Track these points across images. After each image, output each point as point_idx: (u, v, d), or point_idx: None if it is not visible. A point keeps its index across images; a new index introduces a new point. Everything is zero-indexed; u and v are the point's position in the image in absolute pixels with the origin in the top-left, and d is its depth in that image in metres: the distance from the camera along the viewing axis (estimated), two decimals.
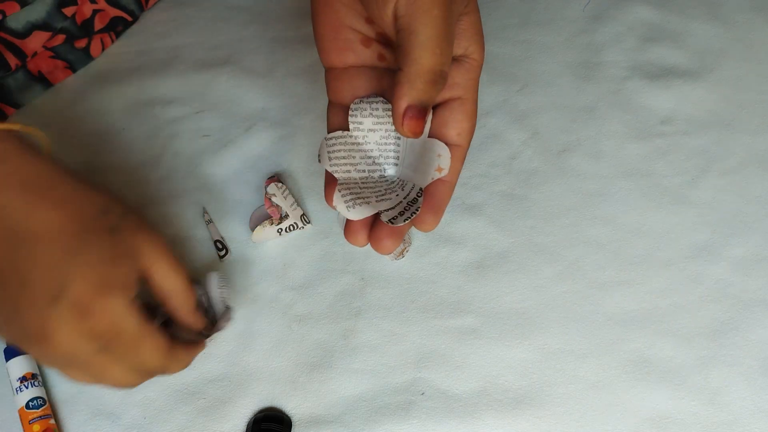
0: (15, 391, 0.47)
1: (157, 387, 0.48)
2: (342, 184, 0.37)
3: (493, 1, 0.63)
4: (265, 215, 0.52)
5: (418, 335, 0.48)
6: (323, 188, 0.39)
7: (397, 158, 0.39)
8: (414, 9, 0.34)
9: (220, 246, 0.52)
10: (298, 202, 0.53)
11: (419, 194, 0.37)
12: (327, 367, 0.48)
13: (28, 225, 0.35)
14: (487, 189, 0.53)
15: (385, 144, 0.39)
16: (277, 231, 0.52)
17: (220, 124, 0.58)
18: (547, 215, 0.52)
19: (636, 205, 0.52)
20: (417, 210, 0.36)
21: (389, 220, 0.36)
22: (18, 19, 0.57)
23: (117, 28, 0.63)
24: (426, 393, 0.46)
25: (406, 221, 0.36)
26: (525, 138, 0.56)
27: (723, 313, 0.48)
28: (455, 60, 0.38)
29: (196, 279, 0.42)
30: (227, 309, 0.44)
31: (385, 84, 0.39)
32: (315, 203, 0.54)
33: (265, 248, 0.52)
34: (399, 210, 0.36)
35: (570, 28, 0.61)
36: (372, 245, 0.38)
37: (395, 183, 0.38)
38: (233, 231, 0.53)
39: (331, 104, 0.40)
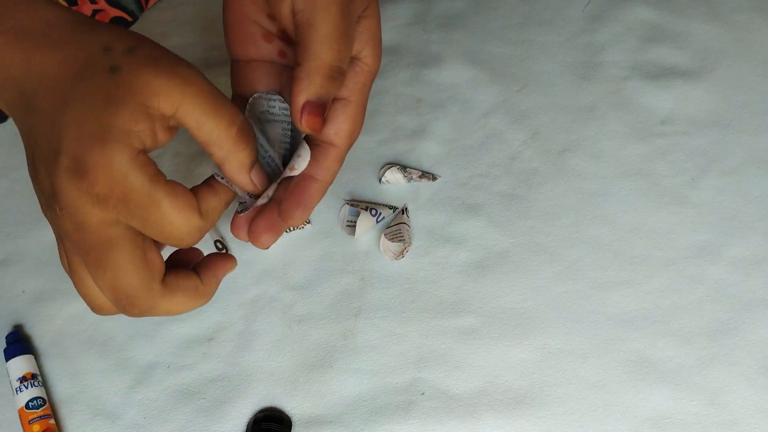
0: (15, 391, 0.47)
1: (157, 387, 0.48)
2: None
3: (493, 1, 0.63)
4: None
5: (418, 335, 0.48)
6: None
7: (287, 155, 0.39)
8: (312, 5, 0.35)
9: (220, 246, 0.52)
10: None
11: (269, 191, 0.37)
12: (327, 367, 0.48)
13: (29, 77, 0.32)
14: (487, 189, 0.53)
15: (279, 141, 0.39)
16: None
17: None
18: (547, 215, 0.52)
19: (636, 205, 0.52)
20: (268, 197, 0.37)
21: (239, 211, 0.38)
22: None
23: None
24: (426, 393, 0.46)
25: (245, 212, 0.37)
26: (525, 138, 0.56)
27: (723, 313, 0.48)
28: None
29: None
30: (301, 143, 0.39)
31: (284, 80, 0.39)
32: None
33: None
34: (250, 203, 0.37)
35: (570, 28, 0.61)
36: (252, 241, 0.39)
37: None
38: None
39: (233, 97, 0.41)
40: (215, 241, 0.52)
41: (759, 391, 0.45)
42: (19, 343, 0.48)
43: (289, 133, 0.39)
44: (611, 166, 0.54)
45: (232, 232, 0.40)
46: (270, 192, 0.37)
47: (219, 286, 0.51)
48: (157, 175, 0.31)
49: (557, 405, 0.45)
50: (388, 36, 0.60)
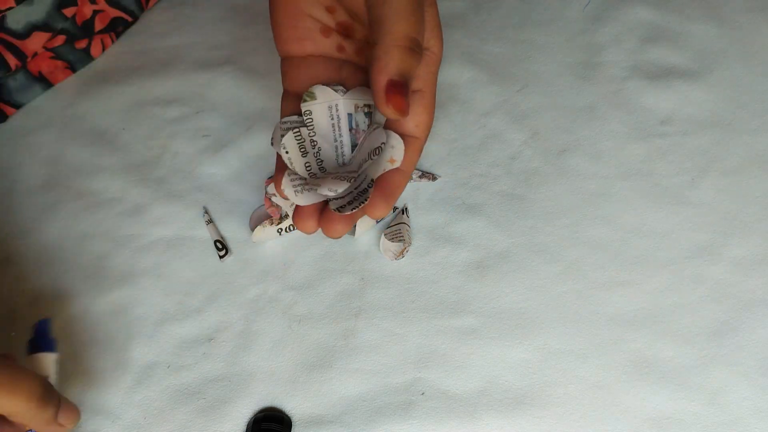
0: None
1: (157, 387, 0.48)
2: (292, 170, 0.37)
3: (493, 1, 0.63)
4: (265, 215, 0.52)
5: (418, 335, 0.48)
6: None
7: (352, 147, 0.38)
8: None
9: (220, 246, 0.52)
10: None
11: (370, 185, 0.36)
12: (327, 367, 0.48)
13: None
14: (487, 189, 0.53)
15: (339, 132, 0.38)
16: (277, 231, 0.52)
17: (220, 124, 0.58)
18: (547, 215, 0.52)
19: (636, 205, 0.52)
20: (365, 200, 0.35)
21: (337, 208, 0.35)
22: (18, 19, 0.57)
23: (117, 28, 0.63)
24: (426, 393, 0.46)
25: (354, 210, 0.35)
26: (525, 138, 0.56)
27: (723, 313, 0.48)
28: None
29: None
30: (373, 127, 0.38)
31: (344, 75, 0.38)
32: None
33: (265, 248, 0.52)
34: (348, 199, 0.36)
35: (570, 29, 0.61)
36: (323, 230, 0.37)
37: (348, 172, 0.38)
38: (233, 231, 0.53)
39: (286, 93, 0.40)
40: (215, 241, 0.52)
41: (759, 391, 0.45)
42: (45, 338, 0.46)
43: (348, 121, 0.38)
44: (611, 166, 0.54)
45: (295, 221, 0.37)
46: (365, 184, 0.36)
47: (219, 288, 0.51)
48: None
49: (557, 405, 0.45)
50: None
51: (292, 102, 0.39)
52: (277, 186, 0.37)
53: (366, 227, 0.52)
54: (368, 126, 0.38)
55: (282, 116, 0.39)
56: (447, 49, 0.60)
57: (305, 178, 0.37)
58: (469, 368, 0.47)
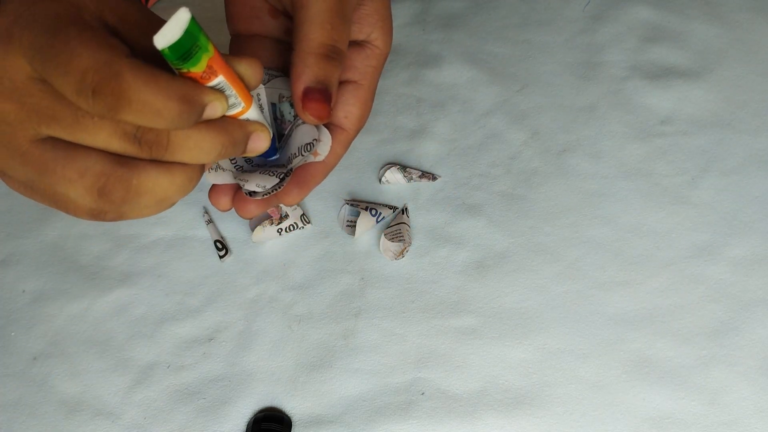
0: None
1: (157, 387, 0.48)
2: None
3: (493, 1, 0.63)
4: (265, 215, 0.52)
5: (418, 335, 0.48)
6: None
7: (278, 137, 0.37)
8: None
9: (220, 246, 0.52)
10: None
11: (287, 175, 0.36)
12: (327, 367, 0.48)
13: None
14: (487, 189, 0.53)
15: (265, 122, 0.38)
16: (277, 231, 0.52)
17: None
18: (547, 215, 0.52)
19: (636, 205, 0.52)
20: (278, 188, 0.35)
21: (248, 192, 0.35)
22: None
23: None
24: (426, 393, 0.46)
25: (265, 196, 0.35)
26: (525, 138, 0.56)
27: (723, 313, 0.48)
28: (357, 45, 0.38)
29: None
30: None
31: (287, 58, 0.38)
32: (315, 203, 0.54)
33: (265, 248, 0.52)
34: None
35: (570, 28, 0.61)
36: (236, 210, 0.37)
37: (275, 165, 0.37)
38: (233, 231, 0.53)
39: None
40: (215, 241, 0.52)
41: (759, 391, 0.45)
42: None
43: (291, 111, 0.37)
44: (611, 166, 0.54)
45: (210, 199, 0.37)
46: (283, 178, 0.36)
47: (219, 288, 0.51)
48: (78, 12, 0.28)
49: (557, 405, 0.45)
50: None
51: None
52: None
53: (366, 227, 0.52)
54: (294, 117, 0.37)
55: None
56: (447, 48, 0.60)
57: (231, 161, 0.37)
58: (469, 368, 0.47)
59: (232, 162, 0.37)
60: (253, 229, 0.52)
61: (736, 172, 0.53)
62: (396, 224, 0.52)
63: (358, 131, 0.39)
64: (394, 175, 0.54)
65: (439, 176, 0.54)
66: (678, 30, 0.60)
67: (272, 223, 0.51)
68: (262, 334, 0.49)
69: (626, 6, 0.61)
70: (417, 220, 0.53)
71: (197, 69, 0.28)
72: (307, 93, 0.34)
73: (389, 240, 0.51)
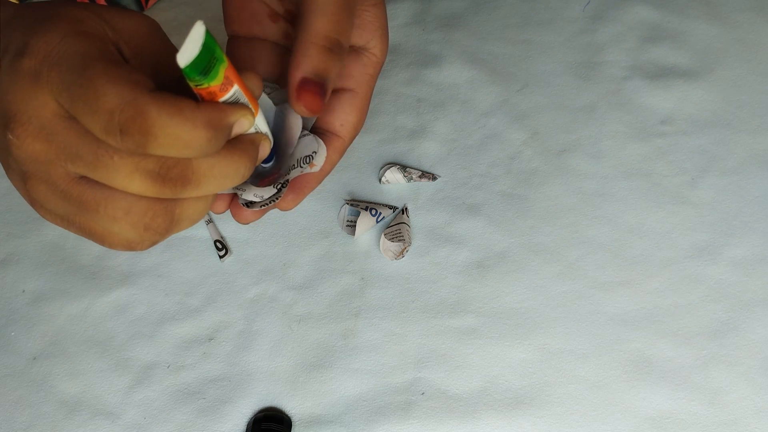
0: None
1: (157, 387, 0.48)
2: None
3: (493, 1, 0.63)
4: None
5: (418, 335, 0.48)
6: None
7: (276, 149, 0.37)
8: None
9: (220, 246, 0.52)
10: None
11: (285, 184, 0.36)
12: (327, 367, 0.48)
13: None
14: (487, 189, 0.53)
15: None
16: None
17: None
18: (547, 215, 0.52)
19: (636, 205, 0.52)
20: (276, 200, 0.35)
21: (246, 203, 0.35)
22: None
23: None
24: (426, 393, 0.46)
25: (262, 207, 0.35)
26: (525, 138, 0.56)
27: (723, 313, 0.48)
28: (354, 51, 0.37)
29: None
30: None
31: (286, 63, 0.37)
32: (315, 203, 0.54)
33: (265, 248, 0.52)
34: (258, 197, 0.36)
35: (570, 28, 0.61)
36: (233, 216, 0.37)
37: (271, 175, 0.37)
38: (233, 231, 0.53)
39: None
40: (215, 241, 0.52)
41: (759, 391, 0.45)
42: None
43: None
44: (611, 166, 0.54)
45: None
46: (279, 189, 0.36)
47: (219, 288, 0.51)
48: (103, 48, 0.28)
49: (557, 405, 0.45)
50: None
51: None
52: None
53: (366, 227, 0.52)
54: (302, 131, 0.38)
55: None
56: (447, 48, 0.60)
57: None
58: (469, 368, 0.47)
59: None
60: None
61: (736, 172, 0.53)
62: (396, 224, 0.52)
63: (353, 139, 0.39)
64: (394, 175, 0.54)
65: (439, 176, 0.54)
66: (678, 30, 0.60)
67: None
68: (262, 334, 0.49)
69: (626, 6, 0.61)
70: (417, 220, 0.53)
71: (216, 82, 0.28)
72: (303, 84, 0.33)
73: (389, 240, 0.51)
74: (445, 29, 0.62)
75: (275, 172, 0.37)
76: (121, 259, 0.52)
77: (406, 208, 0.53)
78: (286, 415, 0.46)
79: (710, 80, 0.57)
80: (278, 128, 0.37)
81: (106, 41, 0.30)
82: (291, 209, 0.38)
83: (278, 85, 0.38)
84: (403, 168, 0.54)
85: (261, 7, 0.38)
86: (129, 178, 0.28)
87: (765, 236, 0.50)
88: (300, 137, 0.37)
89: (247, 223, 0.37)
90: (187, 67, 0.26)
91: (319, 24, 0.33)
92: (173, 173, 0.29)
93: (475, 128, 0.56)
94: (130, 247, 0.32)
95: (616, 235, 0.51)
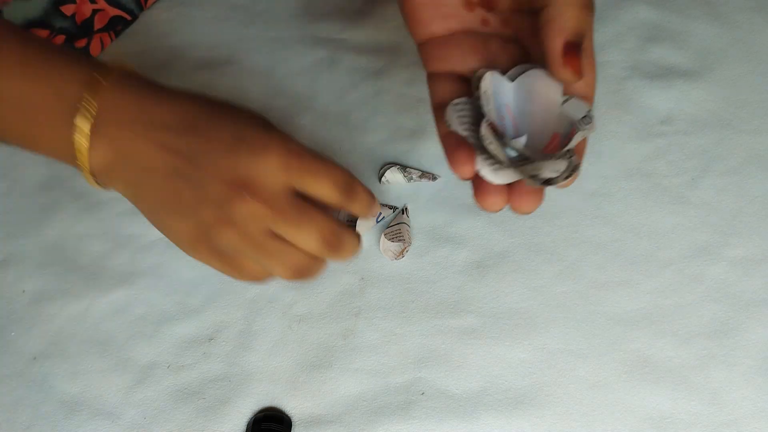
0: None
1: (157, 387, 0.48)
2: (480, 149, 0.34)
3: None
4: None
5: (418, 335, 0.48)
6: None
7: (515, 128, 0.36)
8: None
9: None
10: None
11: (572, 154, 0.34)
12: (327, 367, 0.48)
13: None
14: None
15: (506, 112, 0.36)
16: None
17: None
18: (548, 215, 0.52)
19: (636, 205, 0.52)
20: (573, 171, 0.33)
21: (544, 181, 0.33)
22: (14, 15, 0.57)
23: (116, 27, 0.63)
24: (426, 393, 0.46)
25: (567, 179, 0.33)
26: None
27: (723, 313, 0.48)
28: None
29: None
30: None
31: (492, 49, 0.37)
32: None
33: None
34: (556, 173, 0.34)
35: None
36: (515, 206, 0.35)
37: (535, 148, 0.35)
38: None
39: (433, 75, 0.38)
40: None
41: (759, 390, 0.45)
42: None
43: (518, 102, 0.36)
44: (611, 166, 0.54)
45: (479, 199, 0.35)
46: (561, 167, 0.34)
47: (219, 288, 0.51)
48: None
49: (557, 405, 0.45)
50: (388, 36, 0.60)
51: (448, 83, 0.37)
52: (459, 164, 0.34)
53: (366, 227, 0.52)
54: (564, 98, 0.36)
55: (437, 99, 0.37)
56: None
57: (493, 156, 0.34)
58: (469, 368, 0.47)
59: (503, 156, 0.35)
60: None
61: (736, 171, 0.53)
62: (396, 224, 0.52)
63: (593, 99, 0.37)
64: (394, 175, 0.54)
65: (439, 176, 0.54)
66: (678, 30, 0.60)
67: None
68: (262, 333, 0.49)
69: (626, 6, 0.61)
70: (417, 220, 0.53)
71: None
72: (569, 48, 0.32)
73: (389, 240, 0.51)
74: None
75: (549, 143, 0.35)
76: (121, 259, 0.52)
77: (407, 208, 0.53)
78: (286, 415, 0.46)
79: (710, 80, 0.57)
80: (524, 101, 0.35)
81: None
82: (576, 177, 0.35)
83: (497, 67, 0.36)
84: (403, 168, 0.54)
85: (453, 0, 0.37)
86: (307, 240, 0.37)
87: (765, 236, 0.50)
88: (564, 101, 0.35)
89: (532, 211, 0.35)
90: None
91: None
92: (334, 241, 0.38)
93: None
94: (260, 280, 0.40)
95: (616, 235, 0.51)
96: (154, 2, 0.65)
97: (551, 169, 0.33)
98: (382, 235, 0.51)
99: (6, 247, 0.54)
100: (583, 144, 0.36)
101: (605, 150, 0.55)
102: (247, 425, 0.46)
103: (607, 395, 0.46)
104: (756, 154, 0.54)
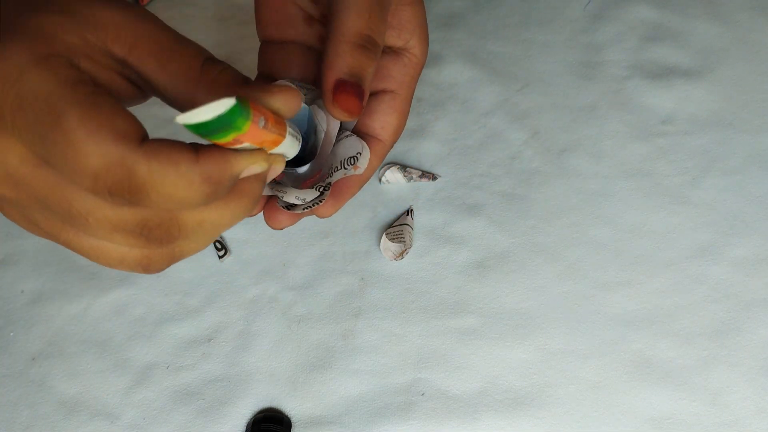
0: None
1: (156, 387, 0.47)
2: None
3: (493, 1, 0.63)
4: None
5: (418, 335, 0.48)
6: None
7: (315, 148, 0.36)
8: None
9: (220, 246, 0.52)
10: None
11: (327, 187, 0.35)
12: (327, 368, 0.47)
13: None
14: (487, 189, 0.53)
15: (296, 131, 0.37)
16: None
17: None
18: (548, 215, 0.52)
19: (637, 205, 0.52)
20: (318, 203, 0.34)
21: (286, 206, 0.34)
22: None
23: None
24: (426, 393, 0.46)
25: (304, 210, 0.34)
26: (525, 138, 0.55)
27: (724, 313, 0.48)
28: (394, 53, 0.37)
29: None
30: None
31: (320, 66, 0.37)
32: None
33: (265, 248, 0.52)
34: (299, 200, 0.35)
35: (571, 28, 0.61)
36: (267, 220, 0.35)
37: (312, 177, 0.36)
38: (233, 231, 0.53)
39: (259, 77, 0.38)
40: (214, 242, 0.52)
41: (760, 391, 0.45)
42: None
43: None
44: (612, 166, 0.54)
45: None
46: (322, 194, 0.34)
47: (219, 288, 0.51)
48: (73, 83, 0.24)
49: (558, 405, 0.45)
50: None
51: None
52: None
53: (396, 179, 0.52)
54: (340, 131, 0.36)
55: None
56: (447, 48, 0.60)
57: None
58: (469, 368, 0.47)
59: None
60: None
61: (737, 171, 0.53)
62: (399, 225, 0.52)
63: (394, 143, 0.37)
64: (394, 175, 0.54)
65: (439, 176, 0.54)
66: (679, 29, 0.60)
67: None
68: (261, 334, 0.49)
69: (627, 5, 0.61)
70: (417, 220, 0.52)
71: (222, 141, 0.26)
72: (339, 86, 0.32)
73: (390, 240, 0.51)
74: (446, 29, 0.61)
75: (315, 174, 0.36)
76: None
77: (412, 210, 0.53)
78: (286, 416, 0.46)
79: (711, 80, 0.57)
80: (313, 128, 0.36)
81: (78, 53, 0.26)
82: (329, 216, 0.36)
83: (314, 86, 0.37)
84: (403, 168, 0.54)
85: (295, 11, 0.37)
86: (109, 237, 0.26)
87: (766, 236, 0.50)
88: (342, 138, 0.36)
89: (281, 229, 0.35)
90: (187, 125, 0.24)
91: (351, 21, 0.32)
92: (155, 233, 0.26)
93: (476, 128, 0.56)
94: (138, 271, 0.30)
95: (616, 236, 0.51)
96: (149, 1, 0.65)
97: (296, 196, 0.34)
98: (384, 235, 0.51)
99: (4, 247, 0.53)
100: (351, 183, 0.36)
101: (606, 150, 0.55)
102: (247, 426, 0.46)
103: (608, 396, 0.45)
104: (757, 153, 0.54)
